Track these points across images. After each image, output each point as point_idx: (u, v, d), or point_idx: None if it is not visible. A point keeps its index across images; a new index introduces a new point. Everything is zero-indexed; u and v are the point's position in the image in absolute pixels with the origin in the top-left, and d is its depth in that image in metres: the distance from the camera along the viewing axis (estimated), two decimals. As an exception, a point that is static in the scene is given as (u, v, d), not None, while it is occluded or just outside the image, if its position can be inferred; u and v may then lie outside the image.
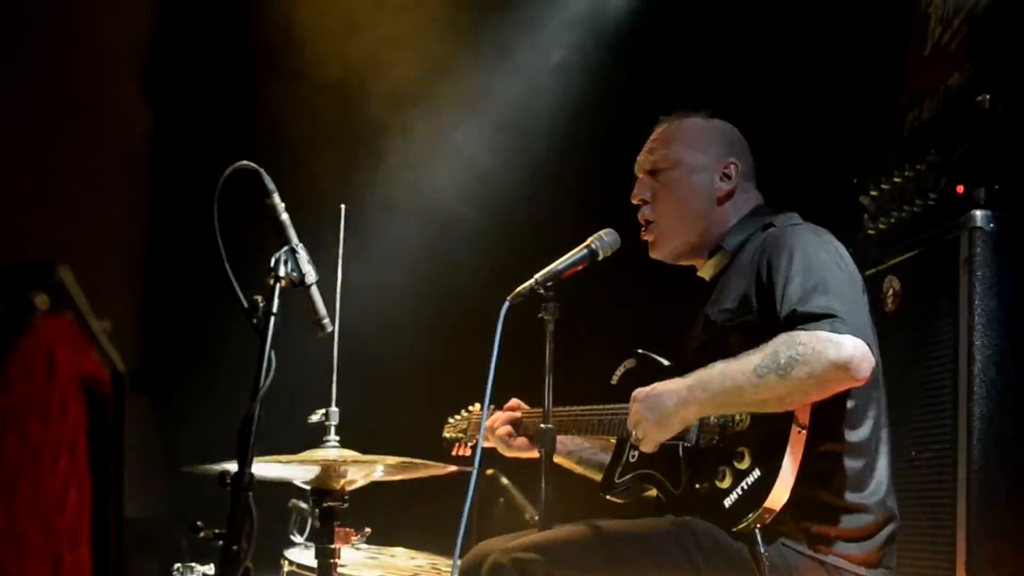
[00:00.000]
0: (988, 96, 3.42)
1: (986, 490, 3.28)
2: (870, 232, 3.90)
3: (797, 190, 3.91)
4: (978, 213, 3.38)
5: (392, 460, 2.88)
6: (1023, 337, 3.31)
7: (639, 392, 3.01)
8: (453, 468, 2.96)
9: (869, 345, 2.73)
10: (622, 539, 2.93)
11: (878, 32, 4.52)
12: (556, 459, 3.41)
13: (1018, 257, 3.35)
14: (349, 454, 2.89)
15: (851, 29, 4.80)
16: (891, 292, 3.71)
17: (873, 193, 3.91)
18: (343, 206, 3.02)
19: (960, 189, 3.45)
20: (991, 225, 3.37)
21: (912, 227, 3.67)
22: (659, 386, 2.97)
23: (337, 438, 2.92)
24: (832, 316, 2.74)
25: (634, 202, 3.26)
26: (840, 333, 2.71)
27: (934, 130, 3.67)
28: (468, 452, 3.57)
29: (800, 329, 2.74)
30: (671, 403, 2.93)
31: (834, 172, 4.27)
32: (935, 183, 3.59)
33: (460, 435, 3.68)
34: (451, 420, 3.78)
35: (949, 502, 3.33)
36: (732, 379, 2.83)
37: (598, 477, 3.34)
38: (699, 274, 3.26)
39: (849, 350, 2.70)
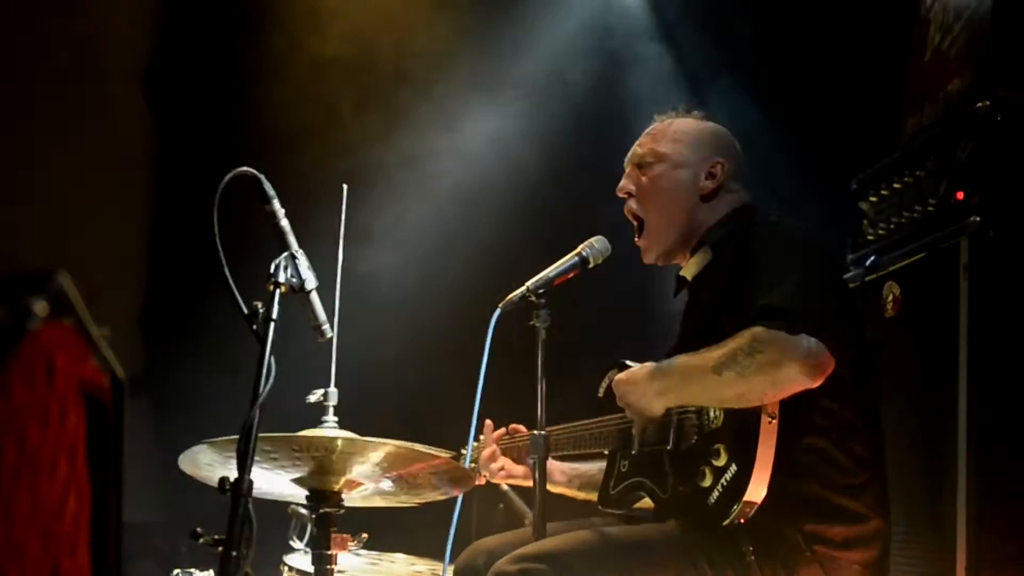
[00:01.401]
0: (988, 102, 3.41)
1: (987, 494, 3.27)
2: (870, 238, 3.90)
3: (797, 195, 3.92)
4: (978, 219, 3.37)
5: (390, 444, 2.83)
6: (1023, 342, 3.31)
7: (620, 377, 3.08)
8: (446, 456, 2.95)
9: (829, 346, 2.73)
10: (626, 546, 2.95)
11: (878, 38, 4.52)
12: (556, 489, 3.45)
13: (1018, 263, 3.35)
14: (346, 434, 2.86)
15: (851, 35, 4.80)
16: (891, 298, 3.70)
17: (873, 199, 3.90)
18: (344, 186, 3.02)
19: (960, 195, 3.45)
20: (991, 231, 3.36)
21: (912, 233, 3.66)
22: (628, 380, 3.04)
23: (335, 419, 2.90)
24: (793, 315, 2.75)
25: (619, 195, 3.30)
26: (798, 333, 2.73)
27: (934, 136, 3.66)
28: (483, 482, 3.61)
29: (761, 326, 2.76)
30: (644, 402, 3.01)
31: (834, 178, 4.27)
32: (935, 189, 3.58)
33: (473, 465, 3.70)
34: (463, 451, 3.81)
35: (950, 506, 3.33)
36: (695, 376, 2.89)
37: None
38: (681, 273, 3.28)
39: (804, 351, 2.72)
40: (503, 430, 3.62)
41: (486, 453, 3.58)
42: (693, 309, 3.21)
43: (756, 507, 2.77)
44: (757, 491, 2.76)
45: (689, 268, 3.26)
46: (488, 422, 3.61)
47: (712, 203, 3.22)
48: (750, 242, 3.01)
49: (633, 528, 3.11)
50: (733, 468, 2.80)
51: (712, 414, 2.92)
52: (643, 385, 3.00)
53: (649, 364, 3.05)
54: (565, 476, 3.50)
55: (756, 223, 3.12)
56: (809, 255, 2.95)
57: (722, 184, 3.23)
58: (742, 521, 2.78)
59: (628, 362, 3.27)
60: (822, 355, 2.73)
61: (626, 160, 3.35)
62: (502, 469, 3.57)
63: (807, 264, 2.91)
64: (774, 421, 2.78)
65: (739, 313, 2.89)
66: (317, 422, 2.89)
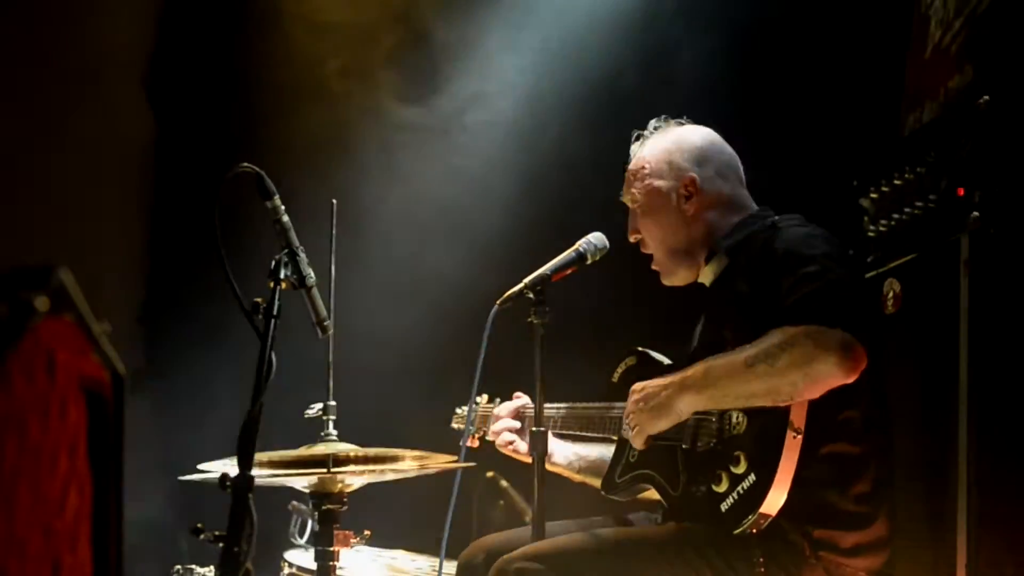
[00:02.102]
0: (988, 98, 3.41)
1: (987, 492, 3.27)
2: (870, 234, 3.89)
3: (798, 192, 3.91)
4: (979, 215, 3.37)
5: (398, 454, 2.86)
6: (1023, 340, 3.31)
7: (637, 384, 3.04)
8: (445, 465, 2.95)
9: (862, 343, 2.72)
10: (624, 548, 2.94)
11: (879, 34, 4.52)
12: (554, 470, 3.42)
13: (1019, 259, 3.35)
14: (350, 447, 2.88)
15: (852, 31, 4.80)
16: (891, 295, 3.70)
17: (873, 195, 3.90)
18: (334, 201, 3.02)
19: (961, 191, 3.45)
20: (992, 227, 3.36)
21: (913, 230, 3.66)
22: (656, 379, 3.00)
23: (335, 432, 2.91)
24: (826, 311, 2.75)
25: (631, 240, 3.32)
26: (832, 327, 2.72)
27: (934, 132, 3.66)
28: (476, 444, 3.57)
29: (794, 323, 2.75)
30: (665, 394, 2.95)
31: (834, 174, 4.27)
32: (935, 185, 3.58)
33: (462, 426, 3.69)
34: (459, 411, 3.79)
35: (950, 504, 3.33)
36: (724, 370, 2.85)
37: (598, 483, 3.35)
38: (699, 279, 3.28)
39: (839, 344, 2.71)
40: (515, 405, 3.55)
41: (498, 425, 3.51)
42: (713, 312, 3.20)
43: (770, 519, 2.76)
44: (774, 504, 2.74)
45: (706, 275, 3.25)
46: (491, 398, 3.59)
47: (704, 214, 3.20)
48: (771, 246, 2.99)
49: (632, 530, 3.11)
50: (752, 478, 2.79)
51: (735, 419, 2.89)
52: (671, 387, 2.95)
53: (673, 374, 3.02)
54: (566, 458, 3.47)
55: (775, 227, 3.10)
56: (833, 257, 2.94)
57: (703, 194, 3.20)
58: (753, 531, 2.78)
59: (643, 350, 3.27)
60: (856, 349, 2.71)
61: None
62: (511, 443, 3.51)
63: (833, 265, 2.90)
64: (799, 436, 2.75)
65: (761, 314, 2.88)
66: (317, 437, 2.91)
